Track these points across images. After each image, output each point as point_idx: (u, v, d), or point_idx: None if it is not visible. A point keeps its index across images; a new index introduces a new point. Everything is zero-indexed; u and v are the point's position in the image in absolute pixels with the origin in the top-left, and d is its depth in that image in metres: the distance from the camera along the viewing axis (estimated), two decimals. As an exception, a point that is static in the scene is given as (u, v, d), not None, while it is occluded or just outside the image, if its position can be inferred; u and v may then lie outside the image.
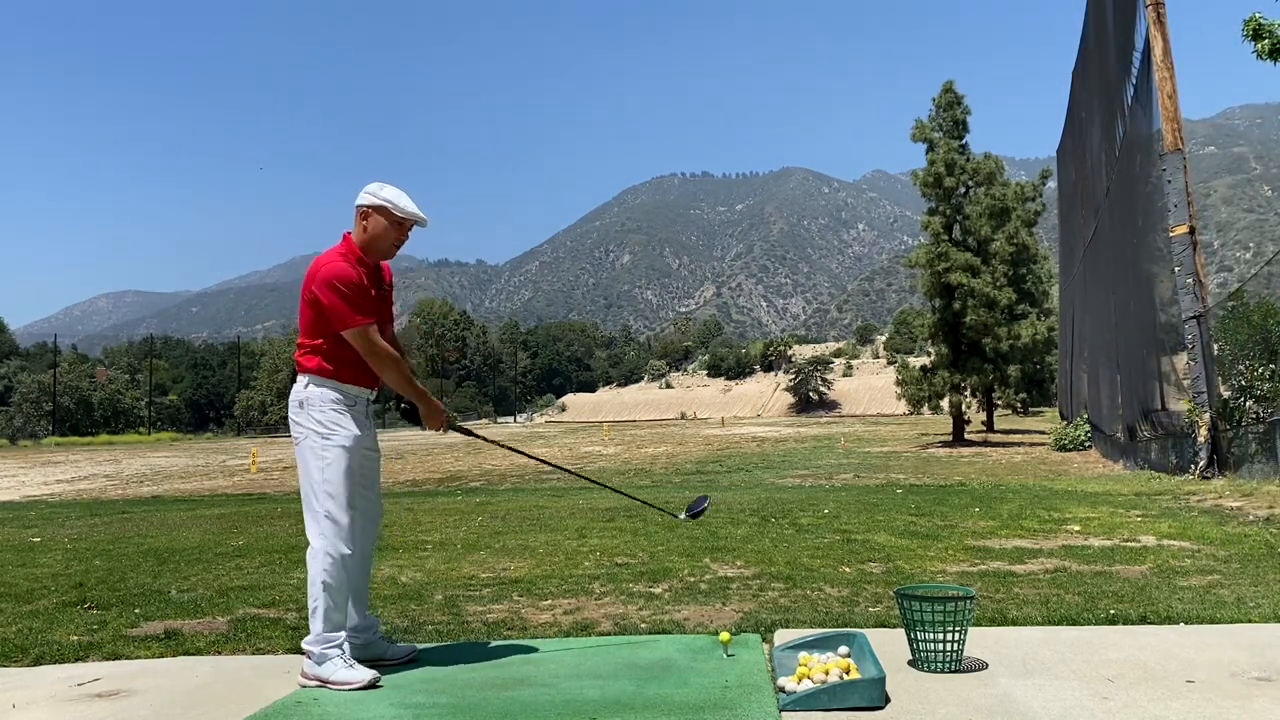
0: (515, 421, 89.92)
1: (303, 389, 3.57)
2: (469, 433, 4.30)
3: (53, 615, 5.01)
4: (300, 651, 3.53)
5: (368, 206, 3.61)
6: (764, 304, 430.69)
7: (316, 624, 3.45)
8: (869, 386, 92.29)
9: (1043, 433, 29.66)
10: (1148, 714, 2.83)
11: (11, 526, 10.39)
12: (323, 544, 3.47)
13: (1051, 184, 31.72)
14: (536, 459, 5.01)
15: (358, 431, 3.57)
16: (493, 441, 4.65)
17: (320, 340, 3.56)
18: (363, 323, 3.51)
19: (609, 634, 4.16)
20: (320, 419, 3.54)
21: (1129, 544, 6.24)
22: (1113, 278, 17.69)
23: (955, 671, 3.29)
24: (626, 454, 26.23)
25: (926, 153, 27.89)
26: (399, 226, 3.64)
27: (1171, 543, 6.24)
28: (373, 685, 3.35)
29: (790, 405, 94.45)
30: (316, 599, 3.45)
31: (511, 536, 7.63)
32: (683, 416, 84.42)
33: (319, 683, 3.40)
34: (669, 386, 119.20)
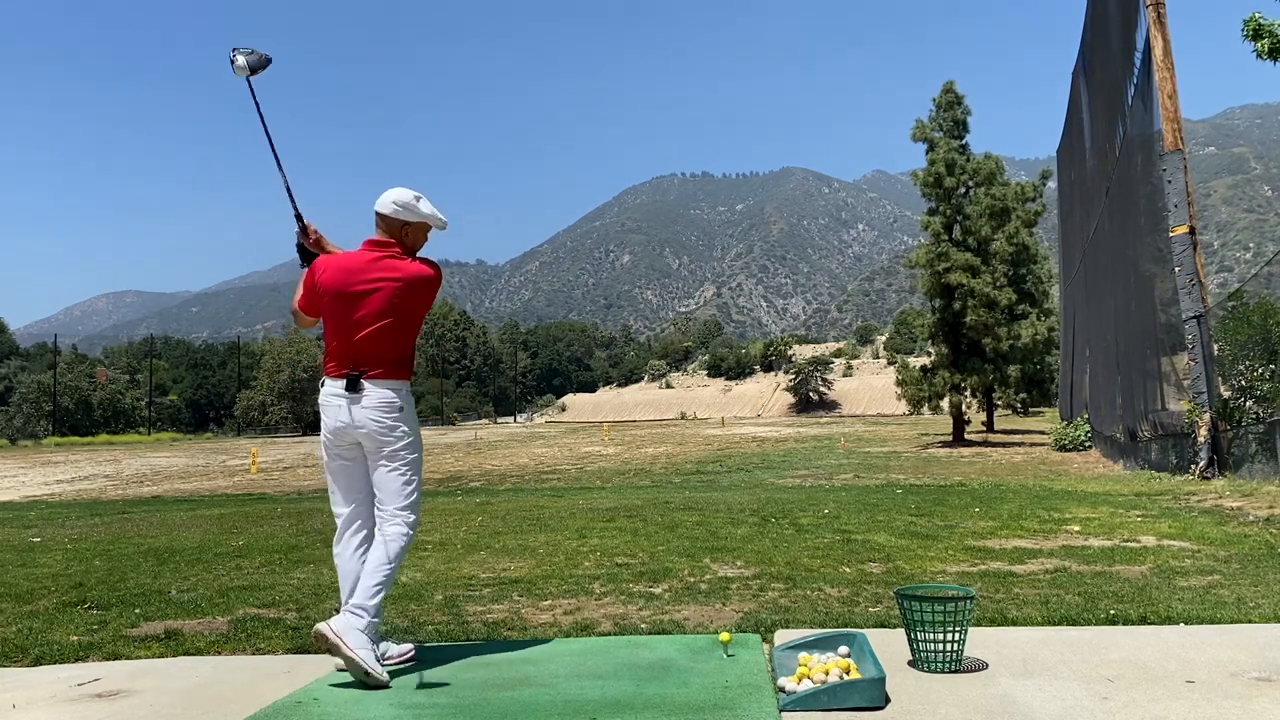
0: (515, 421, 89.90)
1: (402, 395, 3.72)
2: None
3: (53, 615, 5.01)
4: (300, 649, 3.53)
5: (410, 223, 3.76)
6: (764, 304, 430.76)
7: (375, 601, 3.51)
8: (869, 386, 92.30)
9: (1043, 433, 29.66)
10: (1148, 714, 2.83)
11: (11, 526, 10.39)
12: (411, 532, 3.70)
13: (1051, 184, 31.70)
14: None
15: None
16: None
17: (409, 348, 3.76)
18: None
19: (609, 634, 4.16)
20: (417, 424, 3.79)
21: (1129, 544, 6.24)
22: (1113, 278, 17.69)
23: (955, 672, 3.29)
24: (626, 454, 26.22)
25: (926, 153, 27.88)
26: (428, 235, 3.86)
27: (1171, 543, 6.24)
28: (382, 685, 3.37)
29: (790, 405, 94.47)
30: (388, 578, 3.57)
31: (511, 536, 7.63)
32: (683, 417, 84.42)
33: (345, 648, 3.33)
34: (669, 387, 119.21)
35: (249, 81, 3.96)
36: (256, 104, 3.93)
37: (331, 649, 3.38)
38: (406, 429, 3.70)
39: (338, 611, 3.57)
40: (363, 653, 3.36)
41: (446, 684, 3.39)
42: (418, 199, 3.77)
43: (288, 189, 3.94)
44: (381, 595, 3.54)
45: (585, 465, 21.88)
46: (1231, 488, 9.59)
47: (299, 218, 3.92)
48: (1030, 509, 8.41)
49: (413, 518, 3.72)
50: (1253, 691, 3.01)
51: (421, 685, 3.39)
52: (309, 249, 3.92)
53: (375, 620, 3.50)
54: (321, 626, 3.41)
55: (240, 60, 3.91)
